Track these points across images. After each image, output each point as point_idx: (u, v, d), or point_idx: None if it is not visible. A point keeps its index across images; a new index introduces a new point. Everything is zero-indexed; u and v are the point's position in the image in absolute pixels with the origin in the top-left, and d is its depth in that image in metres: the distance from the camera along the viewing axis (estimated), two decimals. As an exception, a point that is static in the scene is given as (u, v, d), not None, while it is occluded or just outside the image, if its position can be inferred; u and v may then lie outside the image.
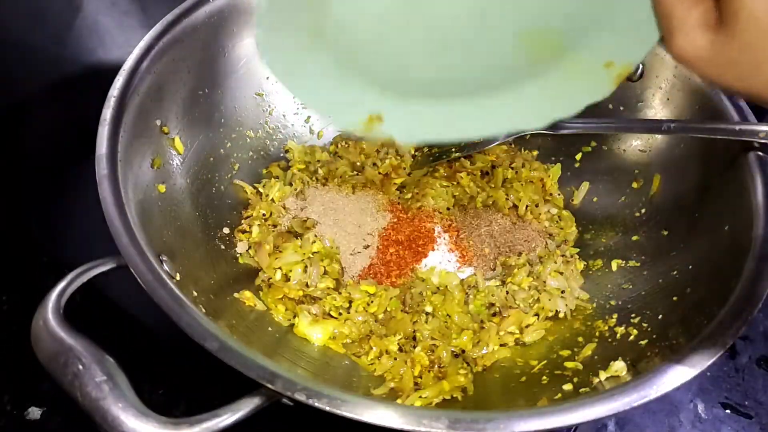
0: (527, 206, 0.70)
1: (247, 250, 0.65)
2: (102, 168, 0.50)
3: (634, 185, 0.68)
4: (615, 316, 0.59)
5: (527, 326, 0.61)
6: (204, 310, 0.47)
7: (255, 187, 0.69)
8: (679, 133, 0.61)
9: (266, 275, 0.62)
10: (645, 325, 0.55)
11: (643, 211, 0.67)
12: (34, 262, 0.69)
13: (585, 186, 0.72)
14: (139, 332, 0.63)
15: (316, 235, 0.65)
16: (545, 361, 0.57)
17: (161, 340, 0.62)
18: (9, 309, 0.65)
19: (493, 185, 0.72)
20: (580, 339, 0.58)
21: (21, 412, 0.58)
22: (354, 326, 0.60)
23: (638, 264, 0.63)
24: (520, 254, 0.66)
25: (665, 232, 0.63)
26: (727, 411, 0.63)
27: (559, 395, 0.50)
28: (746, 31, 0.33)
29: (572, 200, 0.72)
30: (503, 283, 0.64)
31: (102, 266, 0.48)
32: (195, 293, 0.52)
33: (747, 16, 0.33)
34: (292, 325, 0.60)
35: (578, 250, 0.68)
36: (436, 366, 0.58)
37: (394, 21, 0.44)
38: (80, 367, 0.41)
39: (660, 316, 0.55)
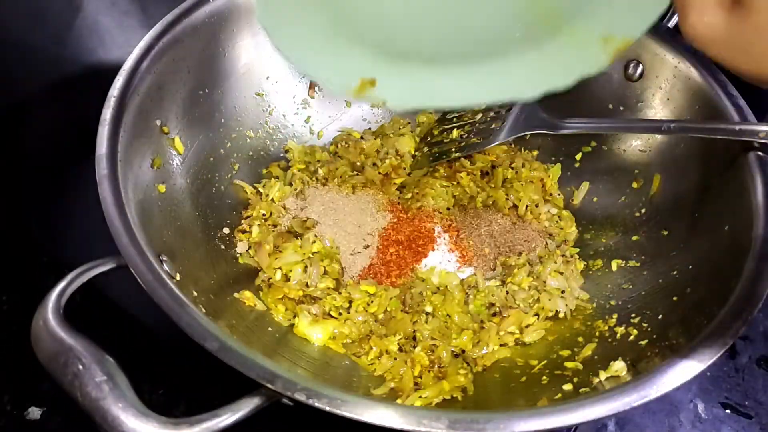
0: (527, 206, 0.70)
1: (247, 250, 0.65)
2: (102, 168, 0.50)
3: (634, 185, 0.68)
4: (615, 316, 0.59)
5: (527, 326, 0.61)
6: (204, 310, 0.47)
7: (255, 187, 0.69)
8: (679, 133, 0.61)
9: (266, 275, 0.62)
10: (645, 325, 0.55)
11: (643, 211, 0.67)
12: (34, 262, 0.69)
13: (585, 186, 0.72)
14: (139, 332, 0.63)
15: (316, 235, 0.65)
16: (545, 361, 0.57)
17: (161, 340, 0.62)
18: (9, 309, 0.65)
19: (493, 185, 0.72)
20: (580, 339, 0.58)
21: (21, 412, 0.58)
22: (354, 326, 0.60)
23: (638, 264, 0.63)
24: (520, 254, 0.66)
25: (665, 232, 0.63)
26: (727, 411, 0.63)
27: (559, 395, 0.50)
28: (760, 13, 0.33)
29: (572, 200, 0.72)
30: (503, 283, 0.64)
31: (102, 266, 0.48)
32: (195, 293, 0.52)
33: None
34: (292, 325, 0.60)
35: (578, 250, 0.68)
36: (436, 366, 0.58)
37: None
38: (80, 367, 0.41)
39: (660, 316, 0.55)
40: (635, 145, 0.69)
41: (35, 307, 0.45)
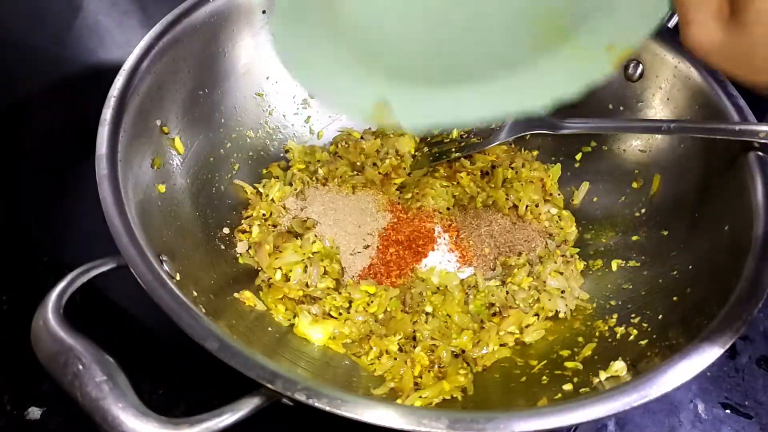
0: (527, 206, 0.70)
1: (247, 250, 0.65)
2: (102, 168, 0.50)
3: (634, 185, 0.68)
4: (615, 316, 0.59)
5: (527, 326, 0.61)
6: (204, 310, 0.47)
7: (255, 187, 0.69)
8: (679, 133, 0.61)
9: (266, 275, 0.62)
10: (645, 325, 0.55)
11: (643, 211, 0.67)
12: (34, 262, 0.69)
13: (585, 186, 0.72)
14: (139, 332, 0.63)
15: (316, 235, 0.65)
16: (545, 361, 0.57)
17: (161, 340, 0.62)
18: (9, 309, 0.65)
19: (493, 185, 0.72)
20: (580, 339, 0.58)
21: (21, 412, 0.58)
22: (354, 326, 0.60)
23: (638, 264, 0.63)
24: (520, 254, 0.66)
25: (665, 232, 0.63)
26: (727, 411, 0.63)
27: (559, 395, 0.50)
28: (756, 26, 0.34)
29: (572, 200, 0.72)
30: (503, 283, 0.64)
31: (102, 266, 0.48)
32: (195, 293, 0.52)
33: (756, 11, 0.33)
34: (292, 325, 0.60)
35: (578, 250, 0.68)
36: (436, 366, 0.58)
37: (400, 11, 0.45)
38: (80, 367, 0.41)
39: (660, 316, 0.55)
40: (635, 145, 0.69)
41: (35, 307, 0.45)
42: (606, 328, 0.58)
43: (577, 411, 0.42)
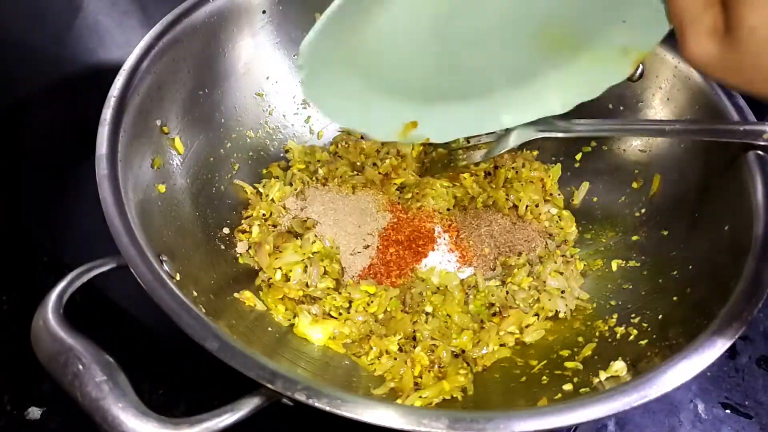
0: (527, 206, 0.70)
1: (247, 250, 0.65)
2: (102, 168, 0.50)
3: (634, 185, 0.68)
4: (615, 316, 0.59)
5: (527, 326, 0.61)
6: (204, 310, 0.47)
7: (255, 187, 0.69)
8: (682, 136, 0.61)
9: (266, 275, 0.62)
10: (645, 325, 0.55)
11: (643, 211, 0.67)
12: (34, 262, 0.69)
13: (585, 186, 0.72)
14: (139, 332, 0.63)
15: (316, 235, 0.65)
16: (545, 361, 0.57)
17: (161, 340, 0.62)
18: (9, 309, 0.65)
19: (494, 185, 0.72)
20: (580, 339, 0.58)
21: (21, 412, 0.58)
22: (354, 326, 0.60)
23: (638, 264, 0.63)
24: (520, 254, 0.66)
25: (665, 232, 0.63)
26: (727, 411, 0.63)
27: (559, 395, 0.50)
28: (749, 41, 0.35)
29: (572, 200, 0.72)
30: (503, 283, 0.64)
31: (102, 266, 0.48)
32: (195, 293, 0.52)
33: (748, 28, 0.35)
34: (292, 325, 0.60)
35: (578, 250, 0.68)
36: (436, 366, 0.58)
37: (419, 38, 0.45)
38: (80, 367, 0.41)
39: (660, 316, 0.55)
40: (635, 145, 0.69)
41: (35, 307, 0.45)
42: (606, 328, 0.58)
43: (577, 411, 0.42)
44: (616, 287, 0.63)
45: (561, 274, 0.63)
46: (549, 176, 0.73)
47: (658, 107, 0.66)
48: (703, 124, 0.60)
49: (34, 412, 0.58)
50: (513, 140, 0.67)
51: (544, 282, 0.63)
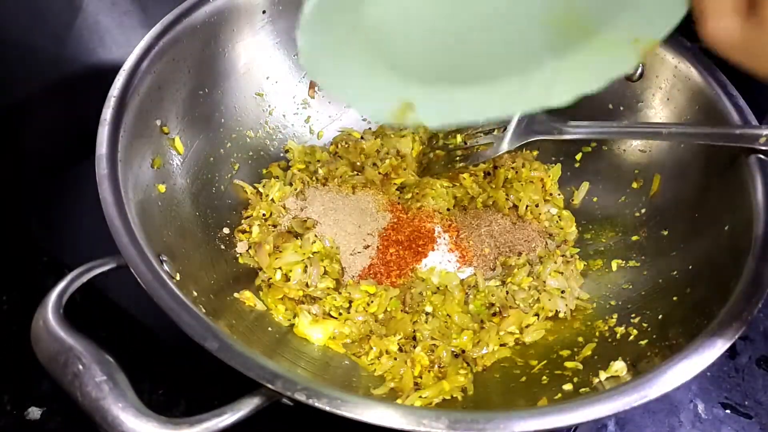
0: (527, 206, 0.70)
1: (247, 250, 0.64)
2: (102, 168, 0.50)
3: (634, 185, 0.68)
4: (615, 316, 0.59)
5: (527, 326, 0.61)
6: (204, 310, 0.47)
7: (255, 187, 0.69)
8: (679, 139, 0.61)
9: (266, 275, 0.62)
10: (645, 325, 0.55)
11: (643, 211, 0.67)
12: (34, 262, 0.69)
13: (585, 186, 0.72)
14: (139, 332, 0.63)
15: (316, 235, 0.64)
16: (545, 361, 0.57)
17: (161, 340, 0.62)
18: (9, 309, 0.65)
19: (494, 185, 0.72)
20: (580, 339, 0.58)
21: (21, 412, 0.58)
22: (354, 326, 0.60)
23: (638, 264, 0.63)
24: (520, 254, 0.66)
25: (665, 232, 0.63)
26: (727, 411, 0.63)
27: (559, 395, 0.50)
28: None
29: (572, 200, 0.72)
30: (503, 283, 0.64)
31: (102, 266, 0.48)
32: (195, 293, 0.52)
33: None
34: (292, 325, 0.60)
35: (578, 250, 0.68)
36: (436, 366, 0.58)
37: (422, 12, 0.45)
38: (80, 367, 0.41)
39: (660, 316, 0.55)
40: (635, 145, 0.69)
41: (35, 307, 0.45)
42: (606, 328, 0.58)
43: (577, 411, 0.42)
44: (616, 287, 0.63)
45: (561, 274, 0.63)
46: (549, 176, 0.73)
47: (658, 107, 0.66)
48: (699, 127, 0.60)
49: (34, 412, 0.58)
50: (509, 143, 0.67)
51: (544, 282, 0.63)
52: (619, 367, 0.50)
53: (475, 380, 0.57)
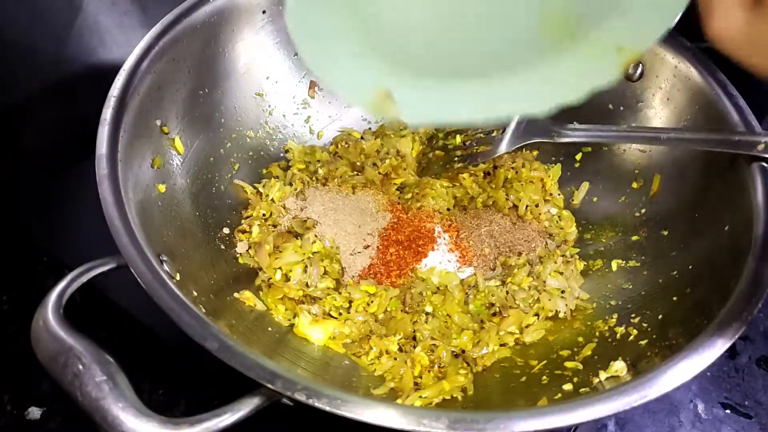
0: (527, 206, 0.70)
1: (247, 250, 0.65)
2: (102, 168, 0.50)
3: (634, 185, 0.68)
4: (615, 316, 0.59)
5: (527, 326, 0.61)
6: (204, 310, 0.47)
7: (255, 187, 0.69)
8: (676, 144, 0.61)
9: (266, 275, 0.62)
10: (645, 325, 0.55)
11: (643, 211, 0.67)
12: (34, 262, 0.69)
13: (585, 186, 0.72)
14: (139, 332, 0.63)
15: (316, 235, 0.65)
16: (545, 361, 0.57)
17: (161, 340, 0.62)
18: (9, 309, 0.65)
19: (494, 185, 0.72)
20: (580, 339, 0.58)
21: (21, 412, 0.58)
22: (354, 326, 0.60)
23: (638, 264, 0.63)
24: (520, 254, 0.66)
25: (665, 232, 0.63)
26: (727, 411, 0.63)
27: (559, 395, 0.50)
28: None
29: (572, 200, 0.72)
30: (503, 283, 0.64)
31: (102, 266, 0.48)
32: (195, 293, 0.52)
33: None
34: (292, 325, 0.60)
35: (578, 250, 0.68)
36: (436, 366, 0.58)
37: (419, 2, 0.45)
38: (80, 367, 0.41)
39: (660, 316, 0.55)
40: (635, 146, 0.69)
41: (35, 307, 0.45)
42: (606, 328, 0.58)
43: (577, 411, 0.42)
44: (616, 287, 0.63)
45: (561, 274, 0.63)
46: (549, 176, 0.73)
47: (658, 107, 0.66)
48: (697, 133, 0.59)
49: (34, 412, 0.58)
50: (508, 144, 0.67)
51: (544, 282, 0.63)
52: (619, 367, 0.50)
53: (475, 380, 0.57)
